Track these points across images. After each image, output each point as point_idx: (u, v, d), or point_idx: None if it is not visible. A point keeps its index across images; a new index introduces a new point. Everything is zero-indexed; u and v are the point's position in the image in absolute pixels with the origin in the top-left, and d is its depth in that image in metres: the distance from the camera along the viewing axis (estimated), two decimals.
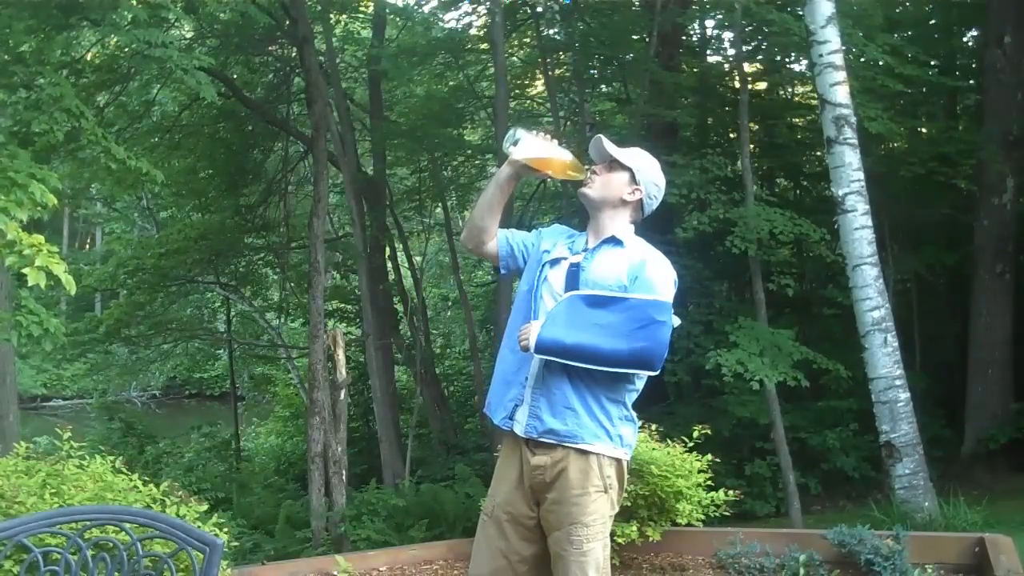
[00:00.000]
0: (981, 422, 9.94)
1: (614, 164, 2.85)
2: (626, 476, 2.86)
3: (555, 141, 2.81)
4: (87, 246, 29.96)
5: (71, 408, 22.93)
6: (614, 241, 2.82)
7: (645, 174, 2.87)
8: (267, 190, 14.45)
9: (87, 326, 13.89)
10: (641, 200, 2.87)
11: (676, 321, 2.77)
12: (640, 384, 2.81)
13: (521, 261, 2.94)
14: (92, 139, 6.03)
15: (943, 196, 11.42)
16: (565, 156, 2.81)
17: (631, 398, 2.80)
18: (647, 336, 2.68)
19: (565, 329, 2.68)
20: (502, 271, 3.00)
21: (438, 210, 15.95)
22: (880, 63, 9.38)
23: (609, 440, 2.75)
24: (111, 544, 2.66)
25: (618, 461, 2.78)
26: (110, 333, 13.54)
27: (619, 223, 2.85)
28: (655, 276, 2.74)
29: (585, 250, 2.84)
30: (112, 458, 4.01)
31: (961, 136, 11.20)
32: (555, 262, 2.84)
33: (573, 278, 2.78)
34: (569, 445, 2.71)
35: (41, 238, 4.53)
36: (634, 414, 2.83)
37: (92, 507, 3.29)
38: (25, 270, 4.39)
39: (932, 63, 11.43)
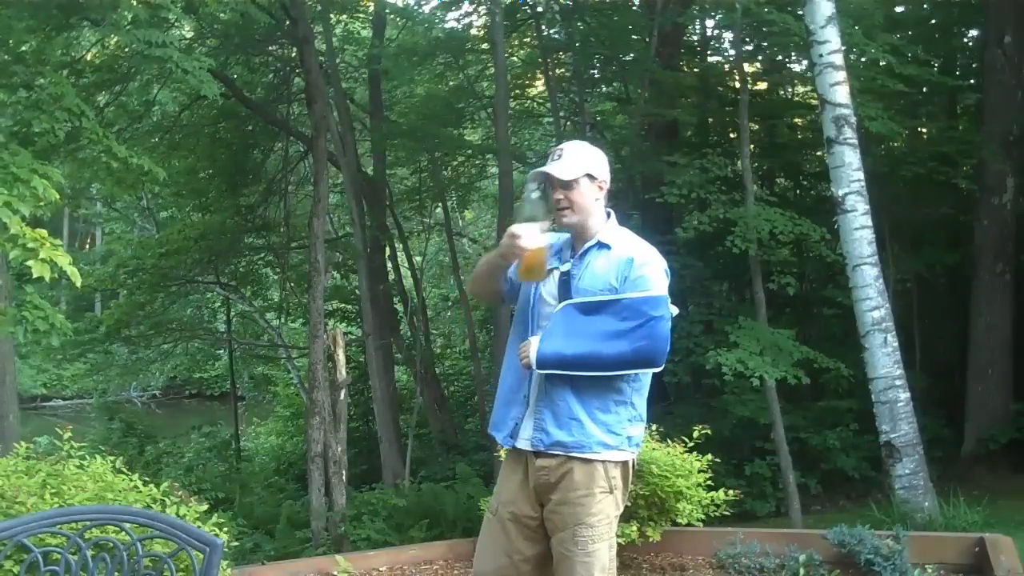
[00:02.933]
0: (981, 422, 9.93)
1: (571, 183, 2.77)
2: (631, 475, 2.86)
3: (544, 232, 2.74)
4: (87, 246, 29.92)
5: (71, 408, 22.92)
6: (600, 245, 2.80)
7: (598, 168, 2.81)
8: (267, 190, 14.44)
9: (87, 326, 13.89)
10: (606, 185, 2.84)
11: (674, 310, 2.77)
12: (647, 380, 2.81)
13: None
14: (93, 138, 6.02)
15: (943, 196, 11.41)
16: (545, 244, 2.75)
17: (640, 397, 2.80)
18: (646, 334, 2.68)
19: (564, 340, 2.69)
20: (508, 302, 2.98)
21: (438, 210, 15.95)
22: (880, 63, 9.38)
23: (616, 447, 2.74)
24: (111, 544, 2.66)
25: (624, 463, 2.79)
26: (110, 333, 13.55)
27: (598, 221, 2.82)
28: (646, 272, 2.74)
29: (573, 257, 2.82)
30: (112, 458, 4.00)
31: (961, 136, 11.19)
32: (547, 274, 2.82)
33: (565, 287, 2.77)
34: (576, 455, 2.71)
35: (44, 232, 4.53)
36: (643, 412, 2.82)
37: (92, 507, 3.29)
38: (29, 263, 4.39)
39: (932, 63, 11.43)
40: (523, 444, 2.78)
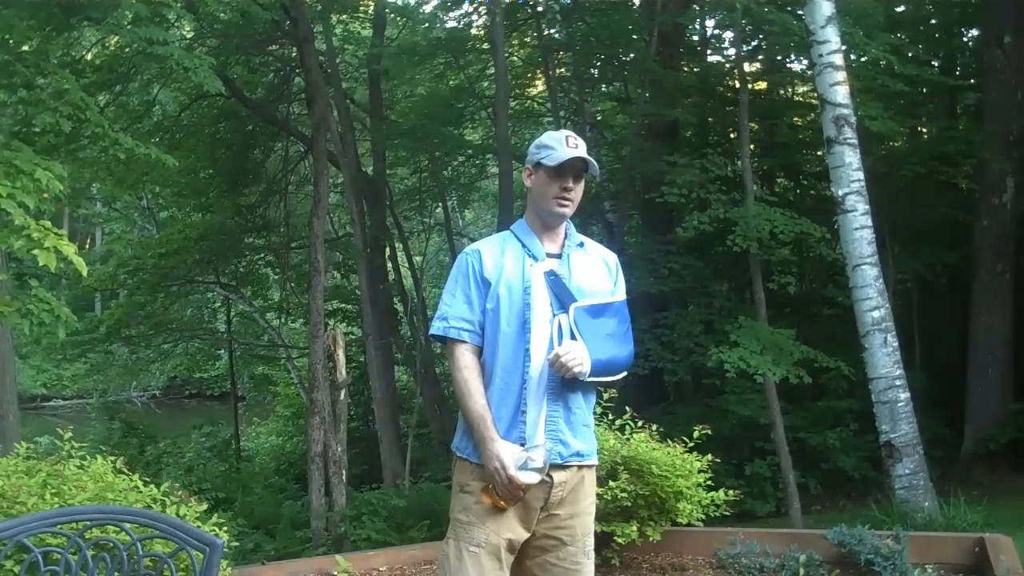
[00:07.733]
0: (981, 422, 9.93)
1: (583, 175, 2.62)
2: None
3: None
4: (87, 246, 29.92)
5: (71, 408, 22.91)
6: (579, 244, 2.71)
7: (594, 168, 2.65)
8: (267, 190, 14.46)
9: (87, 326, 13.89)
10: None
11: None
12: None
13: (488, 315, 2.65)
14: (98, 132, 5.98)
15: (943, 196, 11.41)
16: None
17: None
18: (632, 337, 2.67)
19: (594, 345, 2.53)
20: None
21: (438, 210, 15.95)
22: (880, 63, 9.39)
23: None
24: (111, 544, 2.66)
25: None
26: (110, 333, 13.56)
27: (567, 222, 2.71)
28: (621, 276, 2.73)
29: (552, 256, 2.64)
30: (113, 458, 4.01)
31: (961, 136, 11.19)
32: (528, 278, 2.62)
33: (559, 287, 2.58)
34: (587, 463, 2.64)
35: (48, 223, 4.54)
36: None
37: (92, 507, 3.29)
38: (35, 252, 4.39)
39: (932, 63, 11.43)
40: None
